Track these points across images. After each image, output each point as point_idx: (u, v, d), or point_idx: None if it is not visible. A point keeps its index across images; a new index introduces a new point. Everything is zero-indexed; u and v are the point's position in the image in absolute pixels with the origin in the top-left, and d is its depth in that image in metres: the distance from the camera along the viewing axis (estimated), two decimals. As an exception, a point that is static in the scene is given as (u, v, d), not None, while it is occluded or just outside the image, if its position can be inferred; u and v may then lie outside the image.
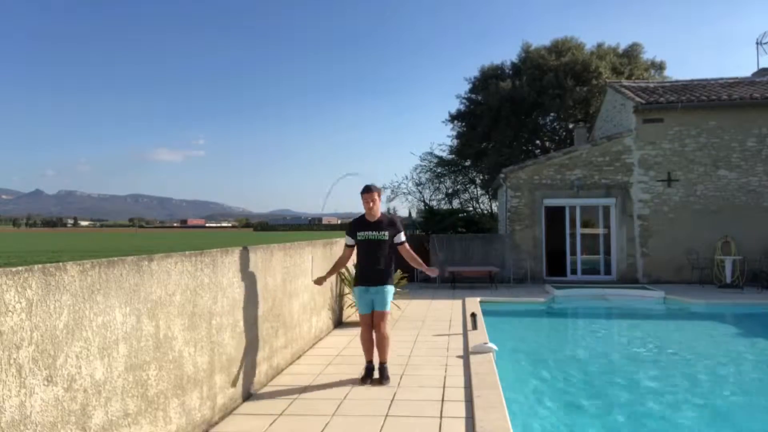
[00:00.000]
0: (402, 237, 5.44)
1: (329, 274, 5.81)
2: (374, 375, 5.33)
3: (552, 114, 24.36)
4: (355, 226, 5.44)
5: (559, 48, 24.18)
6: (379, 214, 5.40)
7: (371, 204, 5.32)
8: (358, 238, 5.37)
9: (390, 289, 5.39)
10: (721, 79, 16.40)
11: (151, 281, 3.32)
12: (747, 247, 13.68)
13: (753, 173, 14.00)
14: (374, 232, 5.31)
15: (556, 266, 14.96)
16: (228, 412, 4.32)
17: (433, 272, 5.67)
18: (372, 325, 5.39)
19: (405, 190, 23.90)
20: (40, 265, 2.48)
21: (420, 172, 24.33)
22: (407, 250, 5.48)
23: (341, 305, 8.67)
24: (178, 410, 3.57)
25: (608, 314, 11.82)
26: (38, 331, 2.42)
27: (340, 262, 5.74)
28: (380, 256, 5.31)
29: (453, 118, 26.10)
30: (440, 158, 25.02)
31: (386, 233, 5.32)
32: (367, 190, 5.34)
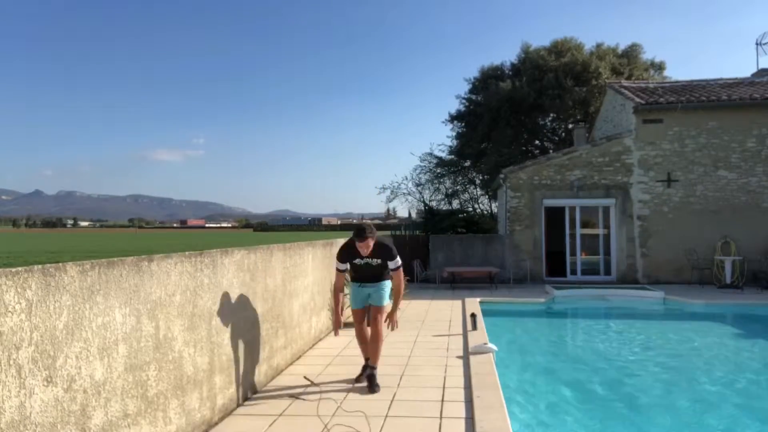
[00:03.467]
0: (398, 262, 5.19)
1: (336, 305, 5.47)
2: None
3: (551, 114, 24.37)
4: (347, 255, 5.23)
5: (558, 48, 24.19)
6: (371, 249, 5.12)
7: (366, 250, 5.06)
8: (352, 262, 5.26)
9: (387, 285, 5.37)
10: (721, 79, 16.39)
11: (151, 282, 3.32)
12: (747, 247, 13.69)
13: (753, 174, 14.00)
14: (368, 259, 5.19)
15: (556, 267, 14.96)
16: (228, 412, 4.32)
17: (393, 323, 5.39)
18: (365, 321, 5.40)
19: (405, 191, 23.92)
20: (39, 266, 2.47)
21: (420, 173, 24.35)
22: (398, 278, 5.30)
23: (341, 305, 8.66)
24: (178, 411, 3.57)
25: (608, 315, 11.82)
26: (38, 332, 2.42)
27: (337, 288, 5.44)
28: (375, 272, 5.30)
29: (453, 118, 26.12)
30: (440, 159, 25.03)
31: (379, 260, 5.19)
32: (362, 238, 4.96)
